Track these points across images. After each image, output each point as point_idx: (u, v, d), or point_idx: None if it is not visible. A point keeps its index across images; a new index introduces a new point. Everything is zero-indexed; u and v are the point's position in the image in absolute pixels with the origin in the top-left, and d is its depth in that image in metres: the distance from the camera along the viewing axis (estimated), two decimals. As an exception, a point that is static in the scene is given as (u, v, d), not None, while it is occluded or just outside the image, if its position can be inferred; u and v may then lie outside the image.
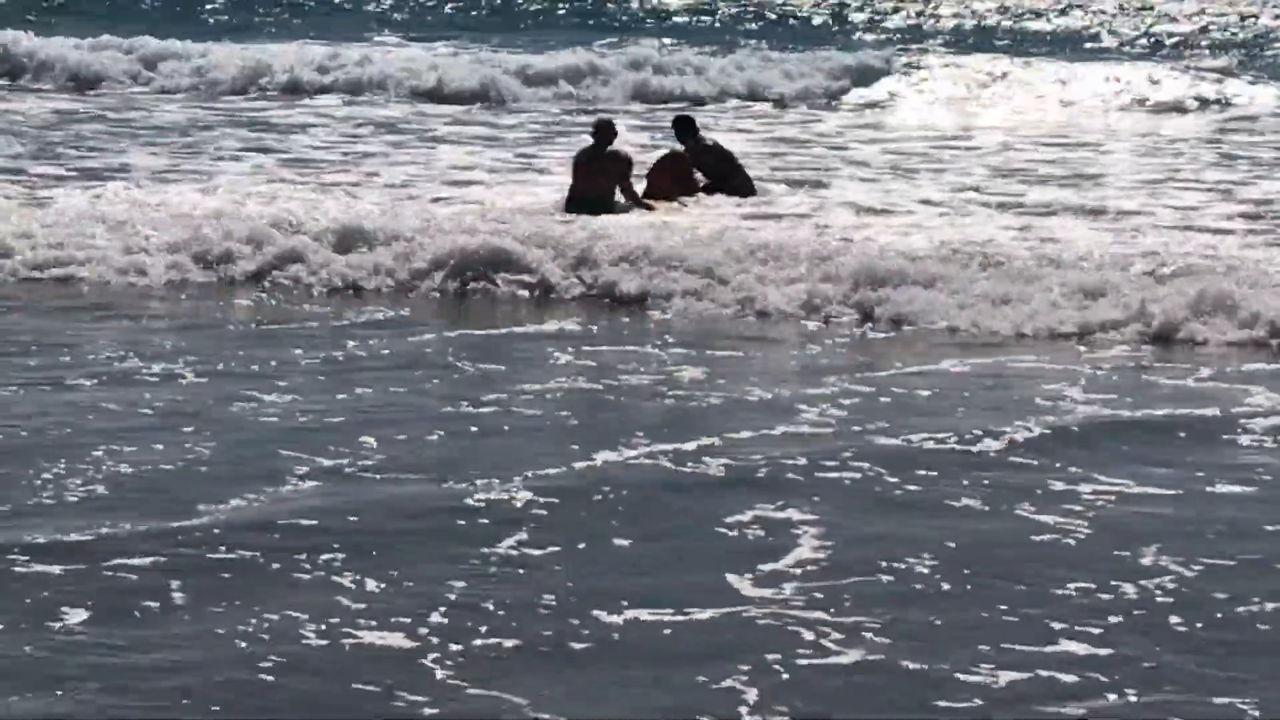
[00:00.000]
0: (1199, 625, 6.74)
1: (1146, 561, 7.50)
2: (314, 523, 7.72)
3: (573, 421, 9.88)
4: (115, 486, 8.23)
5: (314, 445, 8.99)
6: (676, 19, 44.66)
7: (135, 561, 7.13)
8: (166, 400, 10.00)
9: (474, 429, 9.57)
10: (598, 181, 17.05)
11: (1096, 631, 6.62)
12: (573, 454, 8.99)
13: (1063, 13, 44.53)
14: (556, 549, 7.46)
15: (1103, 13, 40.97)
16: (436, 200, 17.70)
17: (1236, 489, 8.68)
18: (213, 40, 32.28)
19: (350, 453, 8.93)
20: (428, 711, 5.83)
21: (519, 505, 8.08)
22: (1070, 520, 8.07)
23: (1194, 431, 9.71)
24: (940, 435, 9.52)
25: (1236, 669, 6.30)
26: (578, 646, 6.39)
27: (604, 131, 17.42)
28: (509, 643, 6.39)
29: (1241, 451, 9.34)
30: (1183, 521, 8.09)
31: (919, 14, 46.30)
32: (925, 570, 7.30)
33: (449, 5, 47.48)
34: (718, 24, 43.42)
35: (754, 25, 42.50)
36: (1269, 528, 8.04)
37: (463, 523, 7.82)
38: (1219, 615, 6.85)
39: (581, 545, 7.53)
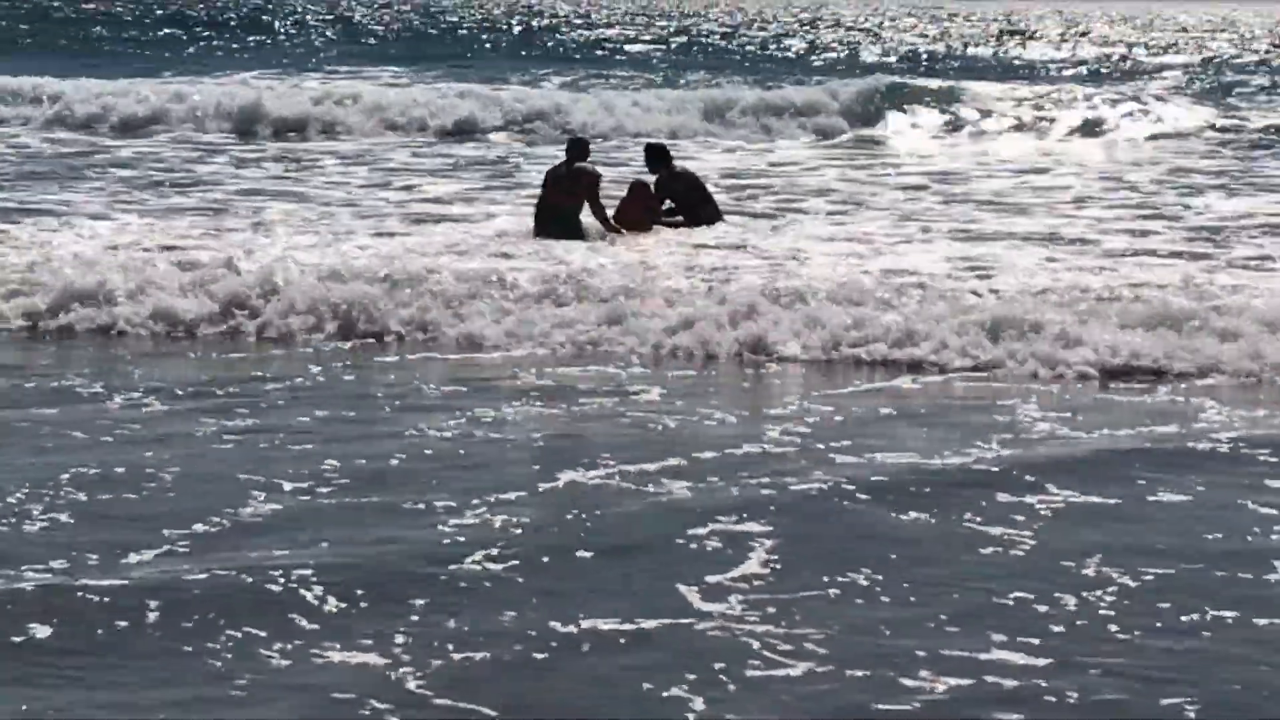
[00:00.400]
0: (1137, 633, 6.93)
1: (1089, 572, 7.70)
2: (281, 551, 7.91)
3: (537, 444, 10.10)
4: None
5: (274, 470, 9.16)
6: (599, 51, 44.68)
7: (105, 583, 7.30)
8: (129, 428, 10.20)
9: (436, 451, 9.78)
10: (566, 199, 17.29)
11: (1036, 641, 6.81)
12: (537, 475, 9.20)
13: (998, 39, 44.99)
14: (517, 564, 7.63)
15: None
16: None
17: (1179, 498, 8.92)
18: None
19: (310, 475, 9.11)
20: (397, 694, 6.07)
21: (483, 525, 8.25)
22: (1017, 532, 8.28)
23: (1147, 452, 9.93)
24: (895, 454, 9.76)
25: (1175, 675, 6.48)
26: (538, 657, 6.55)
27: (576, 148, 17.66)
28: (476, 656, 6.56)
29: (1190, 470, 9.53)
30: (1126, 534, 8.29)
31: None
32: (871, 583, 7.49)
33: (369, 38, 47.77)
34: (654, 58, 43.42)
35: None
36: (1208, 536, 8.28)
37: (429, 542, 7.98)
38: (1158, 624, 7.04)
39: (544, 561, 7.71)
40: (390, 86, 34.65)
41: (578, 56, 41.29)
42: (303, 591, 7.21)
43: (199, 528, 8.11)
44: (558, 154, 19.55)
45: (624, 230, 17.31)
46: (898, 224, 18.83)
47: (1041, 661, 6.60)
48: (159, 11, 63.06)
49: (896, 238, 17.80)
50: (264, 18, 50.93)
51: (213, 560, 7.61)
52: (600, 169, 18.06)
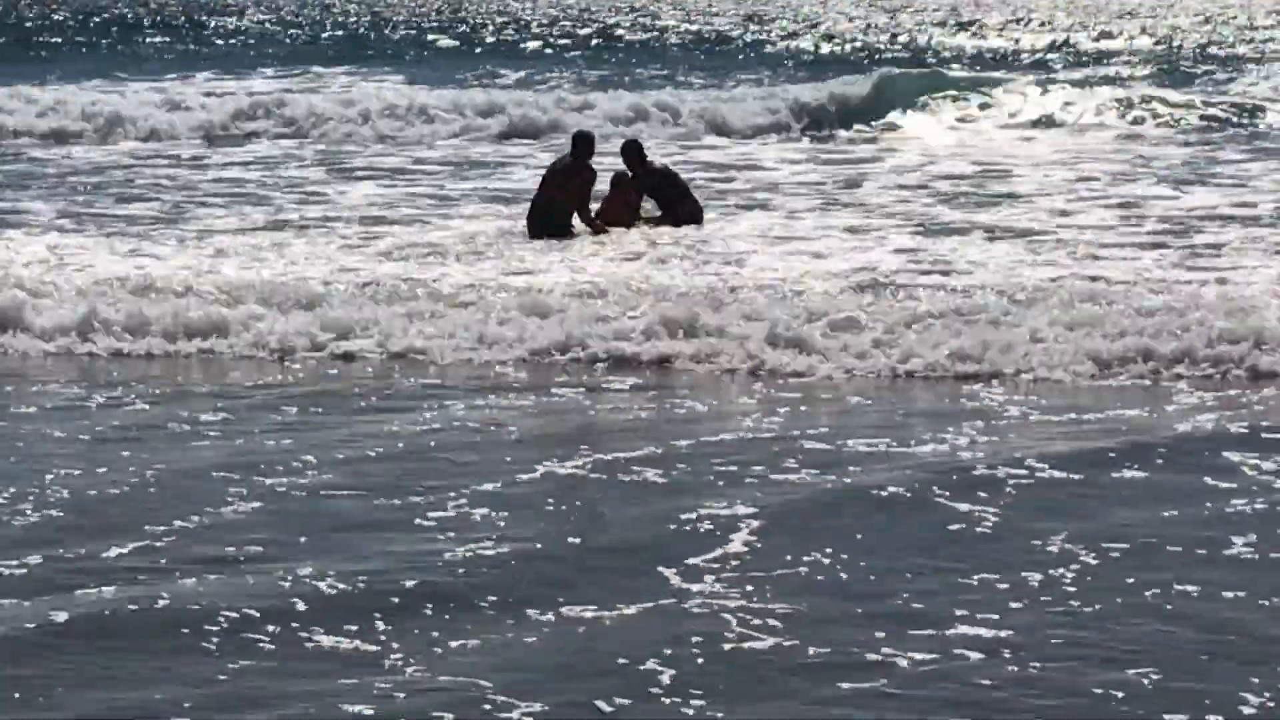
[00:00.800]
0: (1099, 605, 7.16)
1: (1053, 549, 7.94)
2: (263, 535, 8.13)
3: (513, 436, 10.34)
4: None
5: (254, 469, 9.38)
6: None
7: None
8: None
9: (415, 447, 10.01)
10: (560, 193, 17.43)
11: (995, 616, 7.04)
12: (515, 466, 9.43)
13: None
14: (504, 552, 7.85)
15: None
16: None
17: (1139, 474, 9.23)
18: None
19: (290, 471, 9.33)
20: (382, 687, 6.27)
21: (467, 515, 8.48)
22: (984, 509, 8.54)
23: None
24: (871, 437, 10.03)
25: (1133, 644, 6.71)
26: (527, 640, 6.79)
27: (583, 143, 17.73)
28: (461, 634, 6.82)
29: (1158, 464, 9.69)
30: (1087, 510, 8.54)
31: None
32: (842, 561, 7.71)
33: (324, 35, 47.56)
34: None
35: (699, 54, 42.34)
36: (1166, 513, 8.54)
37: (413, 531, 8.21)
38: (1119, 599, 7.25)
39: (529, 547, 7.93)
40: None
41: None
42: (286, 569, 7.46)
43: (178, 524, 8.32)
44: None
45: (608, 229, 17.47)
46: (860, 218, 18.78)
47: (1004, 634, 6.82)
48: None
49: (845, 234, 17.74)
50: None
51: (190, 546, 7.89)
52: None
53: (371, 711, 6.08)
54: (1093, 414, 10.82)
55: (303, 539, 8.11)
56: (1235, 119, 28.41)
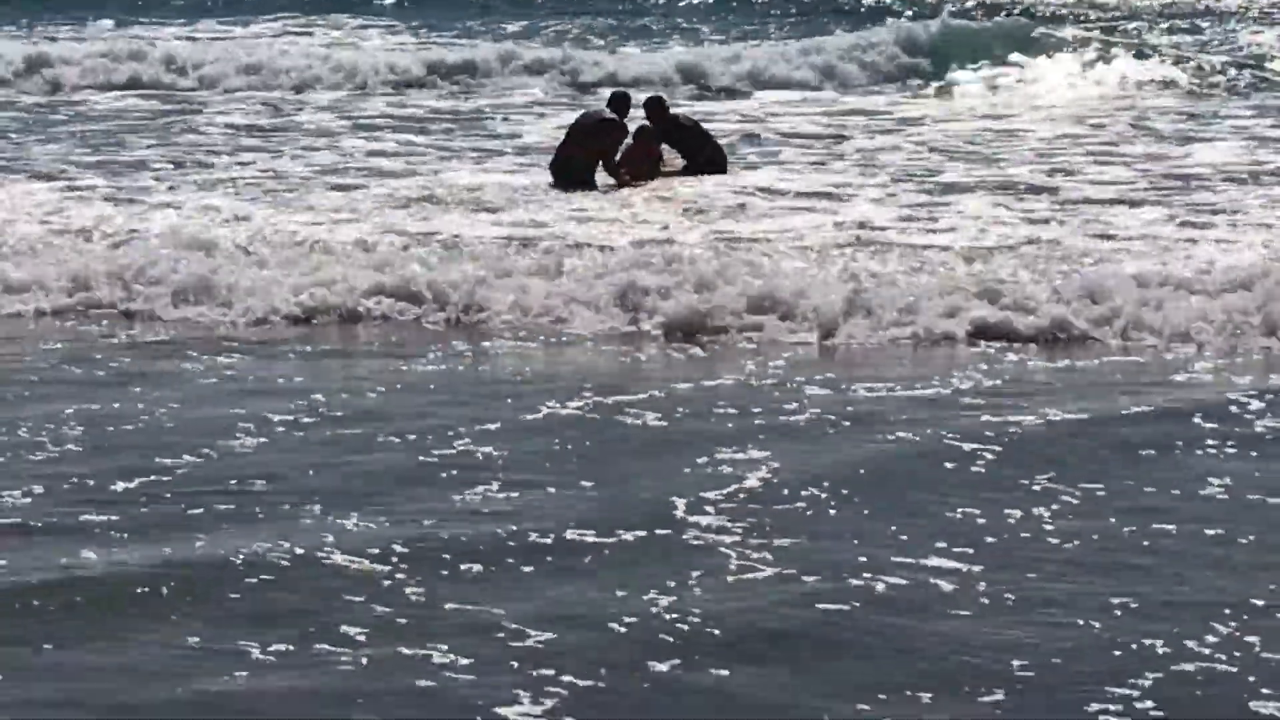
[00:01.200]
0: (1076, 543, 7.49)
1: (1038, 488, 8.27)
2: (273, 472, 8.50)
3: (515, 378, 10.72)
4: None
5: (260, 405, 9.74)
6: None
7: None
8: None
9: (419, 388, 10.40)
10: (580, 151, 17.75)
11: (972, 550, 7.37)
12: (518, 407, 9.78)
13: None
14: (512, 489, 8.20)
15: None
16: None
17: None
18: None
19: (297, 409, 9.70)
20: (403, 620, 6.59)
21: (471, 453, 8.82)
22: (982, 446, 8.90)
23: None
24: (875, 384, 10.40)
25: (1108, 580, 7.02)
26: (525, 569, 7.14)
27: (620, 102, 18.13)
28: (468, 564, 7.16)
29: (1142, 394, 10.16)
30: (1080, 450, 8.89)
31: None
32: (839, 497, 8.06)
33: None
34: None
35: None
36: (1144, 452, 8.90)
37: (422, 469, 8.56)
38: (1095, 536, 7.57)
39: (536, 485, 8.28)
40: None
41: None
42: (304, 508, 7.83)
43: (187, 458, 8.68)
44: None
45: (632, 179, 17.77)
46: (866, 174, 18.66)
47: (978, 568, 7.16)
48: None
49: (861, 188, 17.74)
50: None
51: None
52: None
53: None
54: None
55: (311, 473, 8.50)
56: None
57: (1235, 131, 21.24)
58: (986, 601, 6.77)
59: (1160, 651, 6.29)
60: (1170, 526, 7.67)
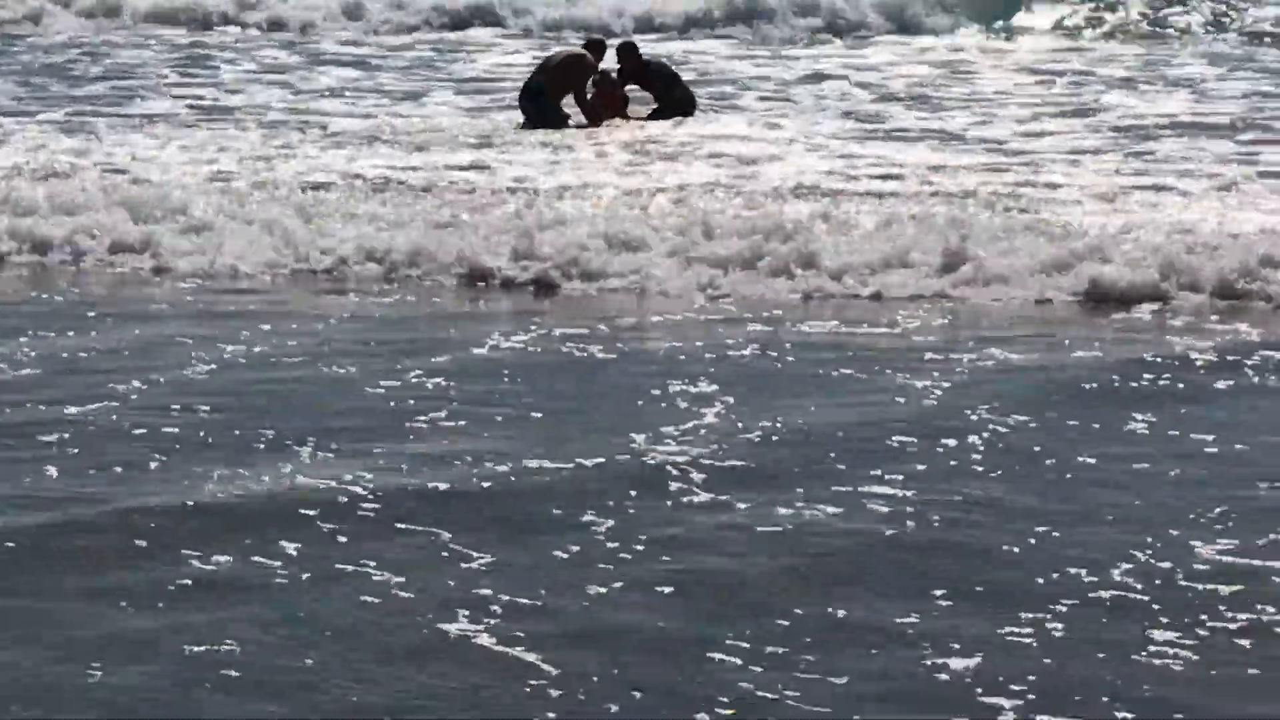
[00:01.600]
0: (1000, 472, 7.72)
1: (1004, 429, 8.40)
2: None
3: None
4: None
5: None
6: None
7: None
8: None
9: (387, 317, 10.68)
10: (556, 84, 17.96)
11: (901, 478, 7.57)
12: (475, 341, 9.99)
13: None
14: (476, 422, 8.35)
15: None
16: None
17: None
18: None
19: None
20: (344, 539, 6.77)
21: (427, 386, 9.01)
22: (942, 385, 9.08)
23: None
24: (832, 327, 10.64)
25: (1068, 506, 7.25)
26: (470, 493, 7.35)
27: (595, 46, 18.36)
28: (431, 485, 7.38)
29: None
30: (1047, 389, 9.06)
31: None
32: (797, 435, 8.20)
33: None
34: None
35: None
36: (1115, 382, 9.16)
37: (392, 403, 8.70)
38: (1051, 461, 7.83)
39: (497, 418, 8.45)
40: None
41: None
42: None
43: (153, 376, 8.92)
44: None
45: (602, 119, 17.93)
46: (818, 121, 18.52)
47: (910, 493, 7.37)
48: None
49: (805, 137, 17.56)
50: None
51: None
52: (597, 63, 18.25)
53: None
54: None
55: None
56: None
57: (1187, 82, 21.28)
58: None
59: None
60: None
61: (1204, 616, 6.07)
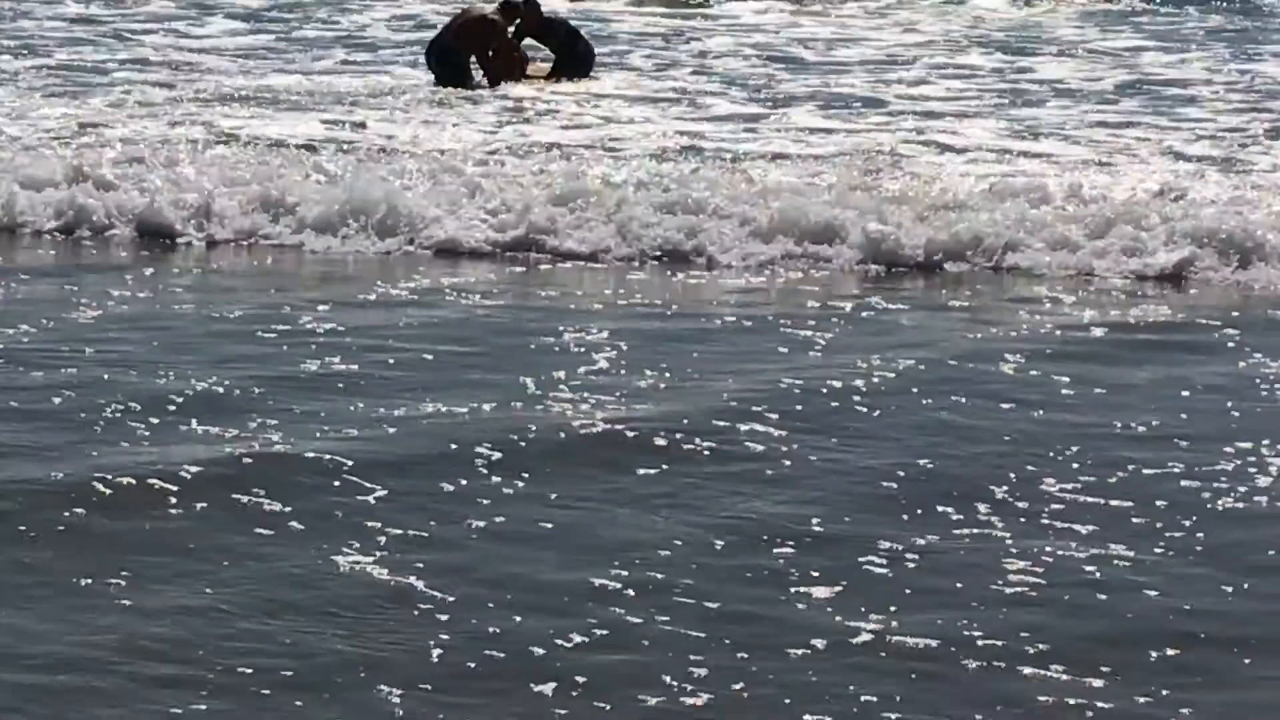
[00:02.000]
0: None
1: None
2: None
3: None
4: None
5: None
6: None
7: None
8: None
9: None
10: (465, 44, 17.98)
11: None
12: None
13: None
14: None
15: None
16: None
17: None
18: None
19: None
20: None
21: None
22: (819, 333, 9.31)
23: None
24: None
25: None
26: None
27: (507, 12, 18.19)
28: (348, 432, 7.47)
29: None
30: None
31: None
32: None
33: None
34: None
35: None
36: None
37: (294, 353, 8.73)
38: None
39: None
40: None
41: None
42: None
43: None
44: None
45: (504, 79, 17.97)
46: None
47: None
48: None
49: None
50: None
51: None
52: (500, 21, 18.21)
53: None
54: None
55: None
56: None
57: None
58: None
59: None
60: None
61: None
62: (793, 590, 5.86)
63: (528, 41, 18.67)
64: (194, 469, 6.79)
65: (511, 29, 18.35)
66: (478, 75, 18.08)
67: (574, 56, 18.55)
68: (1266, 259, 11.05)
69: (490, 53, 18.08)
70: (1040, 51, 20.78)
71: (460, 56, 18.03)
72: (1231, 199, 12.41)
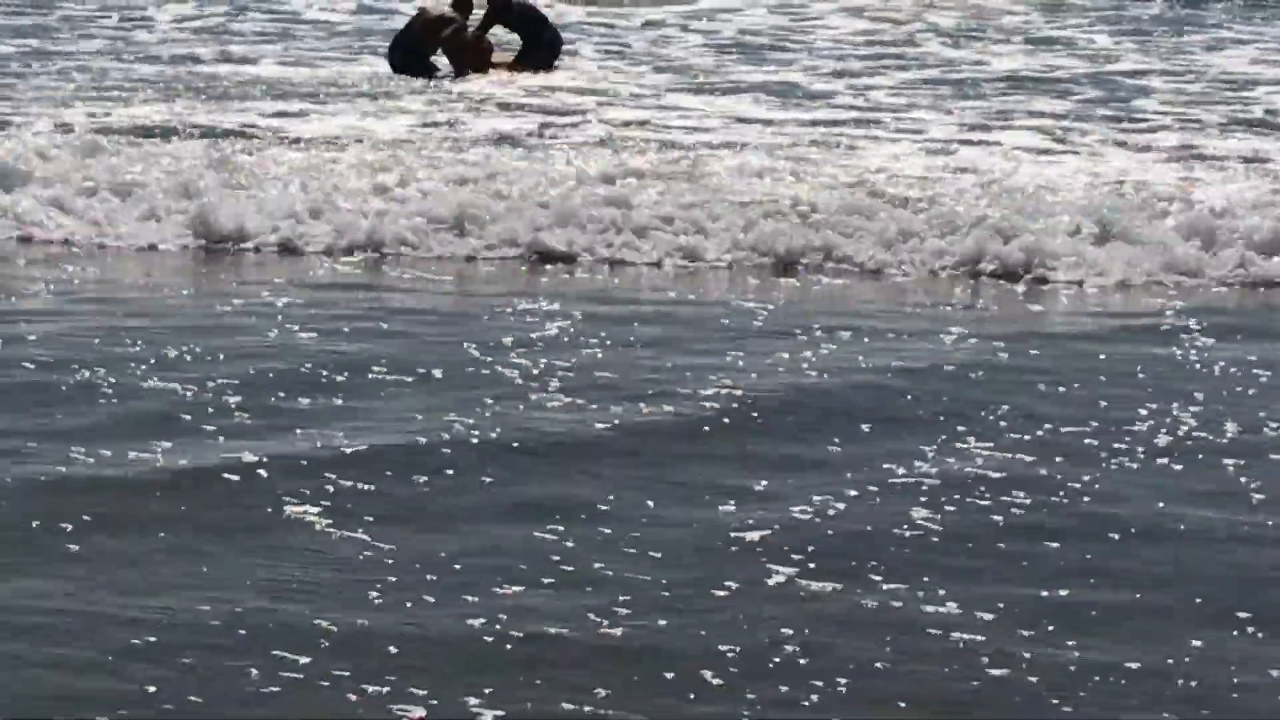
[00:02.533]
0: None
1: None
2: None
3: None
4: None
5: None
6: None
7: None
8: None
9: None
10: (426, 41, 18.08)
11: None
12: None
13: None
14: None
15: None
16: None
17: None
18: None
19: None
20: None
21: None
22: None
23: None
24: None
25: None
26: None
27: (461, 6, 18.31)
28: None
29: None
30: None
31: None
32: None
33: None
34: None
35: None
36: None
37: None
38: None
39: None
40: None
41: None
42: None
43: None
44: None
45: (469, 69, 18.05)
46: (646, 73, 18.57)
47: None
48: None
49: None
50: None
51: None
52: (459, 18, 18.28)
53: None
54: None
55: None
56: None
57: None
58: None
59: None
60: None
61: None
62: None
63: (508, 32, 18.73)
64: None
65: (473, 18, 18.38)
66: (444, 69, 18.12)
67: (539, 43, 18.58)
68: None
69: (456, 47, 18.15)
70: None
71: (425, 49, 18.12)
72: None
